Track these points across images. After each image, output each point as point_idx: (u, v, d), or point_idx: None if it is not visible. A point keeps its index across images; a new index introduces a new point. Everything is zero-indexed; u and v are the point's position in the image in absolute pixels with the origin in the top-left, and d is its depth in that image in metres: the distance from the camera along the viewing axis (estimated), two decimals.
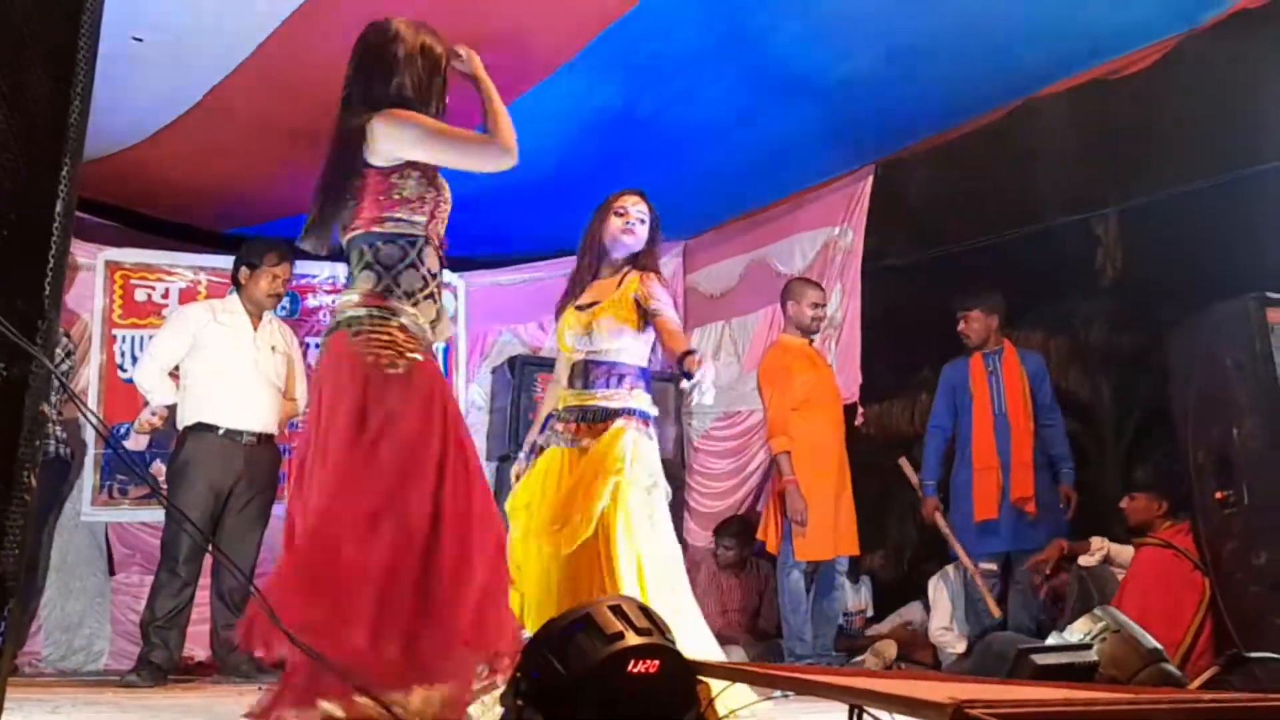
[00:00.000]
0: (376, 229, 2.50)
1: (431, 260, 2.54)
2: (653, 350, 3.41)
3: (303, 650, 1.99)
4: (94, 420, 4.61)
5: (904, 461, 5.34)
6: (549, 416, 3.43)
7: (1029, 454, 4.83)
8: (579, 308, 3.40)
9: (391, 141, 2.49)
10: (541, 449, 3.37)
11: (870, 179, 5.58)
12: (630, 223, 3.41)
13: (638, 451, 3.15)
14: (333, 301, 3.20)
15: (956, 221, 6.67)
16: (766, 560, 5.54)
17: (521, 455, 3.55)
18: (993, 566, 4.89)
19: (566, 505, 3.10)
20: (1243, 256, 5.07)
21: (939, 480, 5.12)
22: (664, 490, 3.24)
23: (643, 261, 3.42)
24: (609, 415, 3.23)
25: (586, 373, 3.31)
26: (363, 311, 2.44)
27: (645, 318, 3.30)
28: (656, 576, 3.03)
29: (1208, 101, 5.18)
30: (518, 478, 3.41)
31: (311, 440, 2.45)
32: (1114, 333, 7.34)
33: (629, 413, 3.22)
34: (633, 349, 3.32)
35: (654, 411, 3.33)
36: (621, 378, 3.30)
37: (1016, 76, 4.65)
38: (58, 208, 1.49)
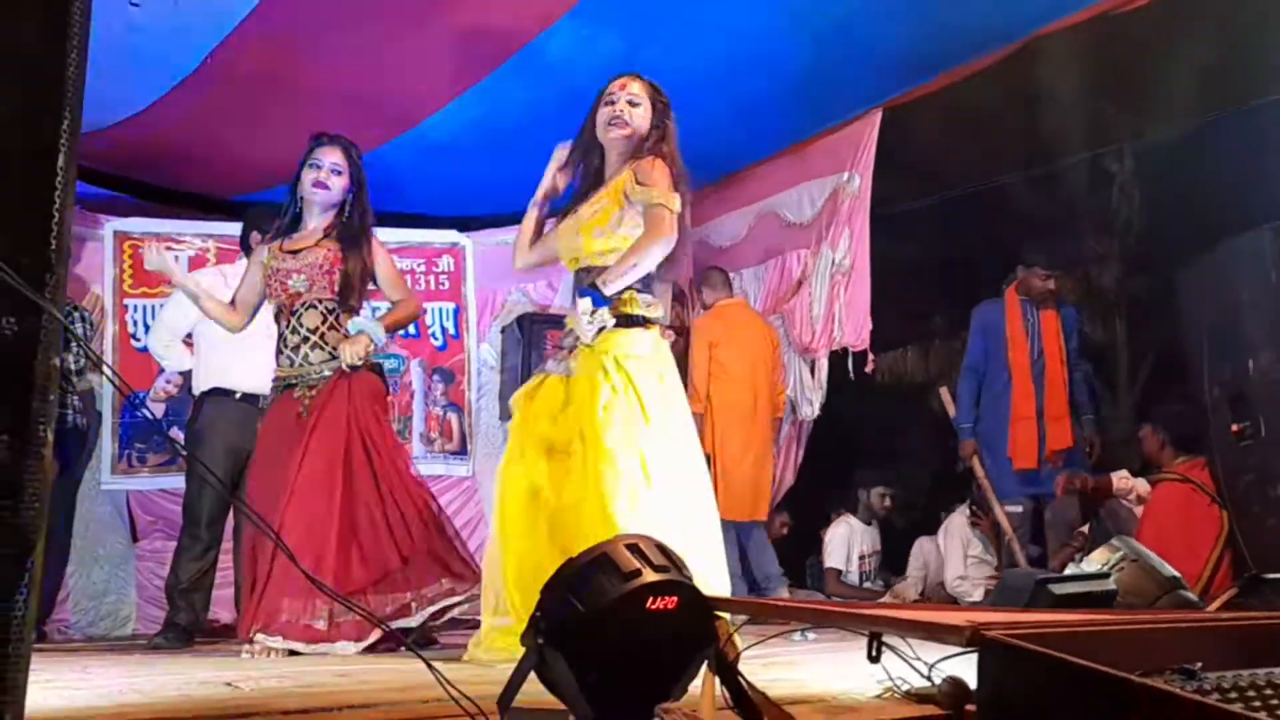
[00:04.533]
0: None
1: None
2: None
3: (333, 596, 2.05)
4: (112, 377, 4.64)
5: (945, 391, 5.33)
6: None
7: (1065, 405, 4.87)
8: (574, 212, 3.06)
9: None
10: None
11: (877, 123, 5.51)
12: (619, 111, 3.00)
13: (622, 380, 2.85)
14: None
15: (966, 164, 6.60)
16: None
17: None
18: (1019, 509, 4.91)
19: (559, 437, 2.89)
20: (1259, 188, 5.02)
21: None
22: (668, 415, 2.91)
23: (646, 149, 3.00)
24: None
25: (579, 284, 3.00)
26: None
27: (632, 214, 2.94)
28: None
29: (1216, 32, 5.10)
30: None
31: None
32: (1129, 272, 7.29)
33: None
34: (616, 249, 2.94)
35: (656, 315, 2.99)
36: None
37: (1021, 14, 4.58)
38: (59, 160, 1.49)
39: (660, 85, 3.18)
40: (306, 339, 3.66)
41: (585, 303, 2.89)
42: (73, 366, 4.51)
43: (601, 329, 2.90)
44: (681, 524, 2.76)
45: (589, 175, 3.12)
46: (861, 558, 6.06)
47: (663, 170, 2.95)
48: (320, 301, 3.67)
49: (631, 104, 3.02)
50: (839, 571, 5.98)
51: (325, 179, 3.70)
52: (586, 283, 2.96)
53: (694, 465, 2.96)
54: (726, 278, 5.71)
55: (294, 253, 3.72)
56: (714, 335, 5.31)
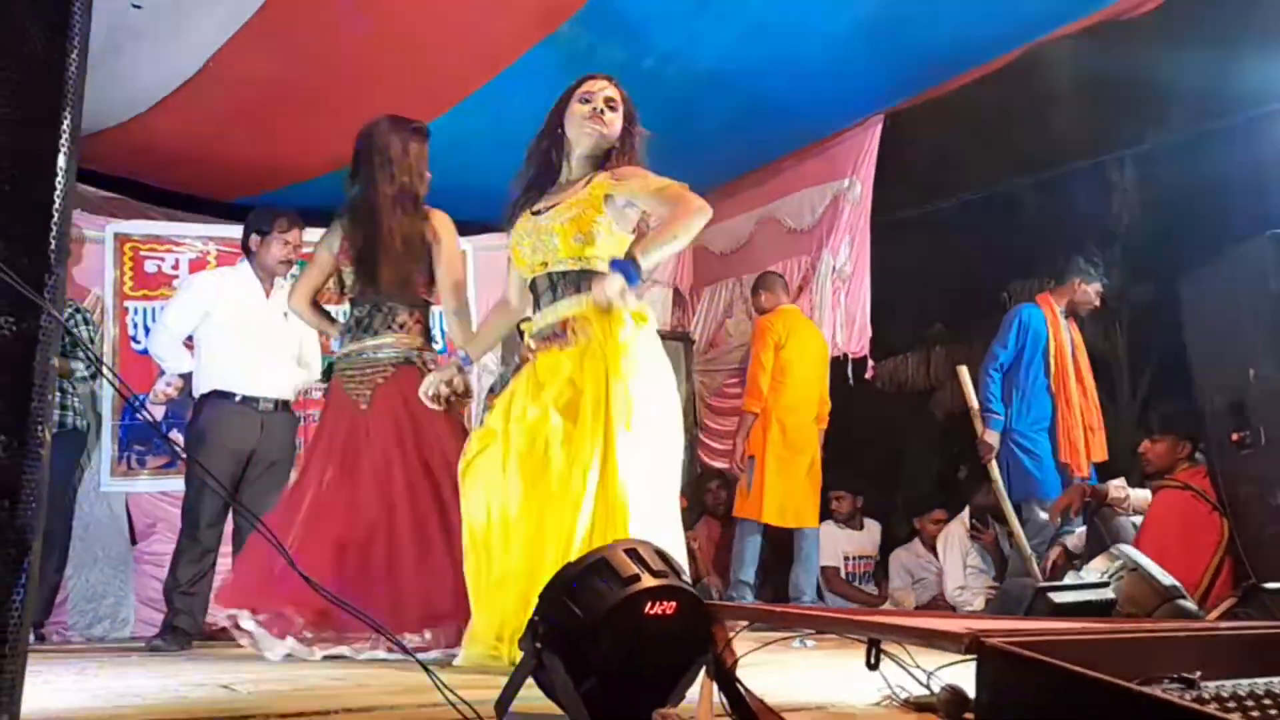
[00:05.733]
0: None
1: None
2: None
3: (329, 598, 2.01)
4: (113, 379, 4.63)
5: (964, 370, 5.12)
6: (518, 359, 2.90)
7: (1099, 416, 4.90)
8: (535, 213, 2.87)
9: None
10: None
11: (878, 130, 5.53)
12: (598, 109, 2.84)
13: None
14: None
15: (967, 171, 6.63)
16: None
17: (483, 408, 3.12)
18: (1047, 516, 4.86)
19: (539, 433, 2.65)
20: (1259, 196, 5.03)
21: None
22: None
23: (615, 162, 2.85)
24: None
25: (553, 287, 2.82)
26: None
27: (618, 218, 2.80)
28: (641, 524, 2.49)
29: (1217, 40, 5.12)
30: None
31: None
32: (1130, 280, 7.30)
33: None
34: (608, 254, 2.77)
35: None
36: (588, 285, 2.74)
37: (1023, 22, 4.59)
38: (59, 162, 1.48)
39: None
40: None
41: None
42: (74, 368, 4.52)
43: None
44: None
45: (546, 170, 2.95)
46: (846, 559, 6.03)
47: (644, 169, 2.85)
48: None
49: (610, 107, 2.88)
50: (835, 569, 5.96)
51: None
52: (553, 285, 2.82)
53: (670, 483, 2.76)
54: (785, 282, 5.64)
55: None
56: (780, 336, 5.28)
